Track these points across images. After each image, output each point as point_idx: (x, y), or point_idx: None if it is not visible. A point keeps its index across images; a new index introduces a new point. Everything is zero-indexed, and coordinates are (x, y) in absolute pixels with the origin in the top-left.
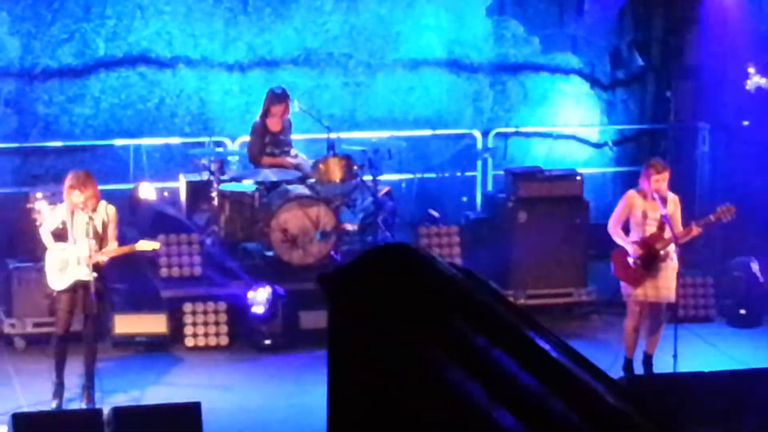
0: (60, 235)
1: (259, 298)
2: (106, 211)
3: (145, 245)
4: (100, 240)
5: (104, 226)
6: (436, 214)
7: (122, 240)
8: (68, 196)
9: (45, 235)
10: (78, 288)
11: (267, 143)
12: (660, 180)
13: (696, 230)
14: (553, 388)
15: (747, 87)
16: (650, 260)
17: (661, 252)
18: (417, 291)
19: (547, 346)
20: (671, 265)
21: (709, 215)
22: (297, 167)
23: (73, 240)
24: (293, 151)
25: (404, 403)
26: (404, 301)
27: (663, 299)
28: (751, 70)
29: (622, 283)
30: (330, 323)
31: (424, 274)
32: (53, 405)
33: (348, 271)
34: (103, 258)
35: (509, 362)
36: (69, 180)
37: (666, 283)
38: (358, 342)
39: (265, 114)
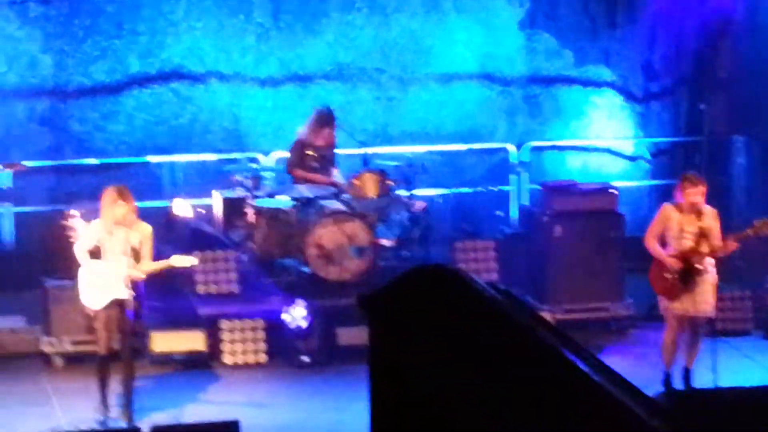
0: (94, 253)
1: (296, 314)
2: (142, 230)
3: (179, 260)
4: (137, 257)
5: (140, 244)
6: (469, 228)
7: (158, 257)
8: (110, 210)
9: (80, 253)
10: (114, 306)
11: (307, 155)
12: (695, 193)
13: (733, 244)
14: (594, 410)
15: None
16: (688, 274)
17: (698, 266)
18: (456, 312)
19: (586, 368)
20: (709, 279)
21: (746, 229)
22: (332, 184)
23: (107, 258)
24: (335, 171)
25: (444, 423)
26: (443, 322)
27: (701, 313)
28: None
29: (660, 297)
30: (370, 343)
31: (463, 295)
32: (97, 424)
33: (387, 292)
34: (140, 275)
35: (549, 384)
36: (111, 193)
37: (704, 297)
38: (398, 363)
39: (311, 129)
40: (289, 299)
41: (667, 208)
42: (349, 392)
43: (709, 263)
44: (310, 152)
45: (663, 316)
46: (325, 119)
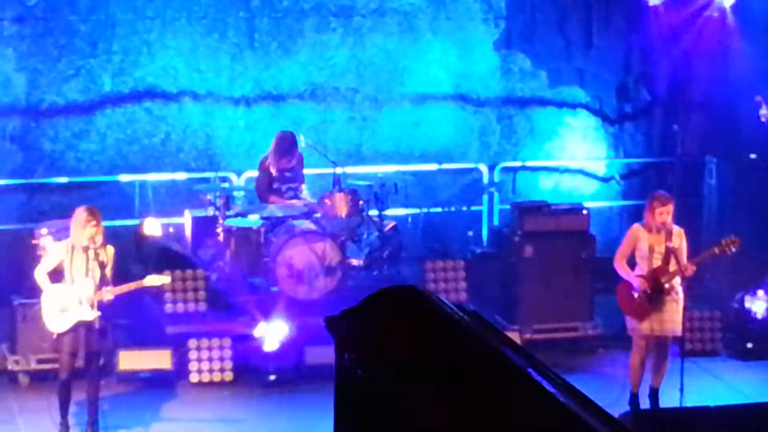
0: (58, 273)
1: (274, 334)
2: (107, 251)
3: (154, 280)
4: (103, 278)
5: (103, 264)
6: (440, 248)
7: (127, 276)
8: (81, 229)
9: (41, 276)
10: (80, 327)
11: (275, 179)
12: (664, 212)
13: (700, 264)
14: (560, 430)
15: (762, 119)
16: (655, 294)
17: (666, 285)
18: (423, 334)
19: (553, 389)
20: (676, 299)
21: (713, 247)
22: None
23: (71, 279)
24: (302, 187)
25: None
26: (410, 343)
27: (668, 333)
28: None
29: (628, 317)
30: (337, 364)
31: (430, 316)
32: None
33: (355, 313)
34: (109, 296)
35: (515, 405)
36: (83, 213)
37: (671, 317)
38: (365, 384)
39: (272, 154)
40: (260, 318)
41: (636, 228)
42: (316, 411)
43: (677, 283)
44: (274, 175)
45: (631, 336)
46: (285, 146)
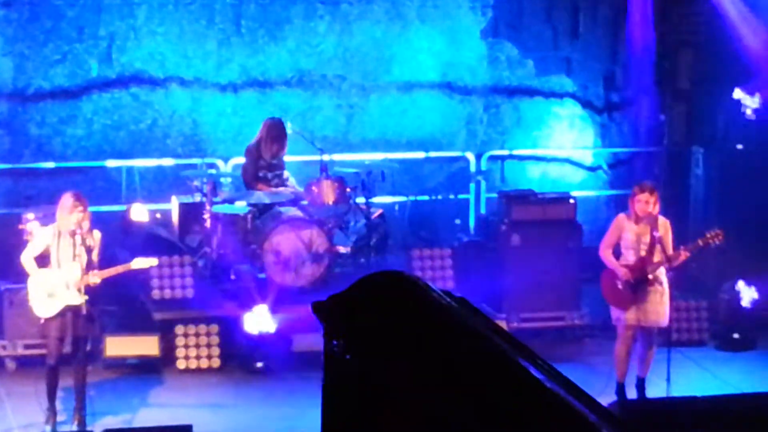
0: (44, 258)
1: (264, 318)
2: (94, 235)
3: (141, 263)
4: (90, 263)
5: (90, 249)
6: (427, 236)
7: (114, 262)
8: (68, 215)
9: (27, 262)
10: (67, 312)
11: (262, 167)
12: (643, 200)
13: (684, 255)
14: (546, 417)
15: (746, 113)
16: (639, 284)
17: (650, 276)
18: (411, 319)
19: (540, 376)
20: (660, 289)
21: (697, 240)
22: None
23: (57, 264)
24: (285, 174)
25: (396, 429)
26: (398, 329)
27: (652, 323)
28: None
29: (612, 307)
30: (324, 351)
31: (418, 302)
32: (46, 430)
33: (342, 298)
34: (96, 280)
35: (502, 391)
36: (69, 198)
37: (655, 308)
38: (353, 370)
39: (261, 141)
40: (247, 305)
41: (621, 218)
42: (303, 398)
43: (662, 273)
44: (260, 163)
45: (615, 325)
46: (274, 134)
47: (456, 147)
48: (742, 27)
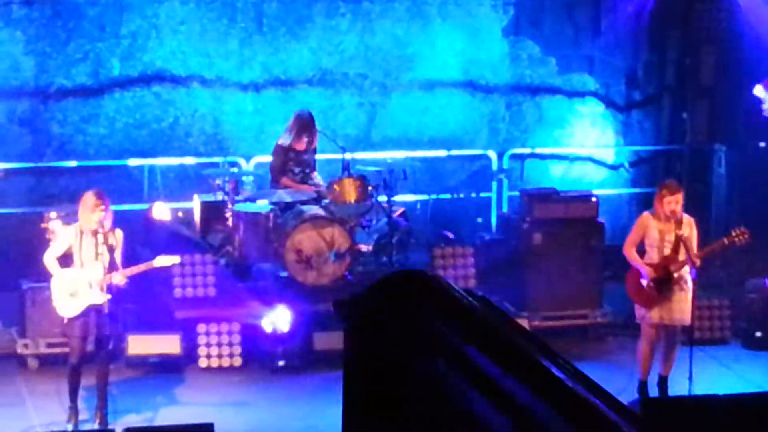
0: (66, 257)
1: (279, 318)
2: (116, 234)
3: (163, 261)
4: (112, 262)
5: (112, 248)
6: (451, 235)
7: (136, 261)
8: (90, 214)
9: (50, 262)
10: (90, 312)
11: (290, 160)
12: (673, 201)
13: (710, 253)
14: (568, 416)
15: (765, 112)
16: (664, 282)
17: (675, 274)
18: (432, 319)
19: (562, 375)
20: (685, 288)
21: (723, 238)
22: (317, 191)
23: (80, 264)
24: (315, 174)
25: (417, 427)
26: (420, 329)
27: (677, 322)
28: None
29: (637, 305)
30: (345, 349)
31: (440, 302)
32: (68, 428)
33: (364, 298)
34: (121, 280)
35: (524, 390)
36: (91, 197)
37: (680, 306)
38: (373, 368)
39: (291, 133)
40: (269, 303)
41: (646, 216)
42: (324, 397)
43: (686, 272)
44: (290, 155)
45: (639, 324)
46: (305, 124)
47: (478, 145)
48: (763, 23)
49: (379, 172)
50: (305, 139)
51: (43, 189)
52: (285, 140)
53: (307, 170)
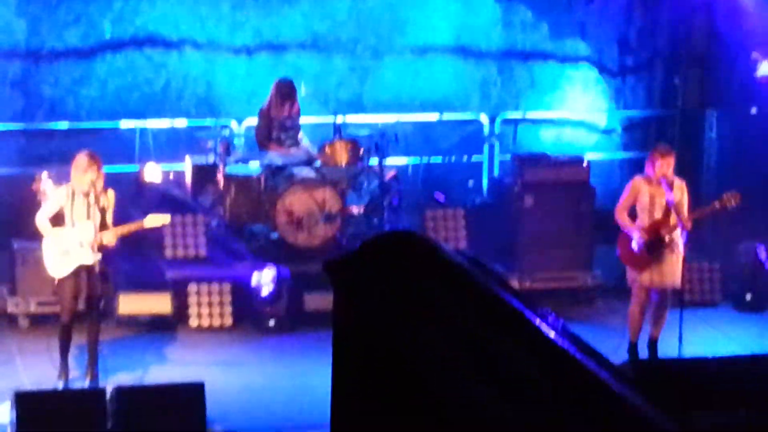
0: (57, 217)
1: (265, 278)
2: (108, 195)
3: (154, 220)
4: (104, 222)
5: (104, 209)
6: (442, 197)
7: (127, 221)
8: (82, 175)
9: (42, 223)
10: (81, 271)
11: (274, 127)
12: (664, 165)
13: (701, 217)
14: (558, 374)
15: (757, 75)
16: (655, 246)
17: (667, 238)
18: (422, 278)
19: (552, 333)
20: (676, 251)
21: (714, 202)
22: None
23: (72, 224)
24: (301, 135)
25: (407, 388)
26: (410, 288)
27: (668, 285)
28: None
29: (628, 268)
30: (335, 309)
31: (430, 261)
32: (58, 385)
33: (354, 257)
34: (111, 240)
35: (514, 349)
36: (84, 158)
37: (671, 269)
38: (363, 328)
39: (271, 102)
40: (258, 264)
41: (638, 180)
42: (314, 356)
43: (677, 235)
44: (274, 124)
45: (630, 287)
46: (286, 91)
47: (470, 109)
48: None
49: (370, 135)
50: (286, 106)
51: (35, 150)
52: (266, 107)
53: (294, 134)
